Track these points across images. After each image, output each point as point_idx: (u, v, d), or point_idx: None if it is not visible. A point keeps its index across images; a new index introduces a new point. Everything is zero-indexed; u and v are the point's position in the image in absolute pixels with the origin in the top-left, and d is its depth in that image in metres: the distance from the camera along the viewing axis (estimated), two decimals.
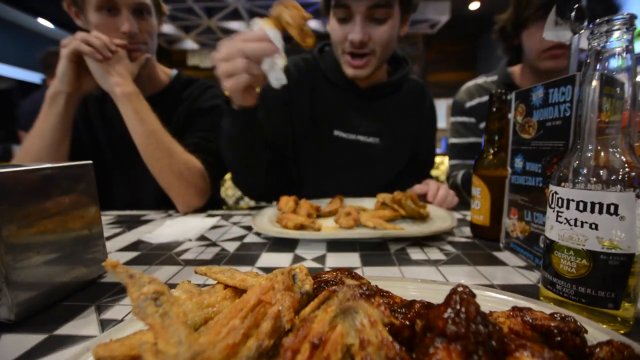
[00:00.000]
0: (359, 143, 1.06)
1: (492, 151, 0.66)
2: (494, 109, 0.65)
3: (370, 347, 0.20)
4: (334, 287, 0.25)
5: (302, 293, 0.26)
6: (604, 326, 0.34)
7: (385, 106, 1.09)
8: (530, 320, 0.27)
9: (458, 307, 0.22)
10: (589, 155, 0.35)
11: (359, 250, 0.61)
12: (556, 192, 0.37)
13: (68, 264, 0.46)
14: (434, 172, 1.38)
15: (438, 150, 3.07)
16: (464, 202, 1.06)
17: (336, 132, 1.06)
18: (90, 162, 0.50)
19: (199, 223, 0.81)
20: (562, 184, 0.36)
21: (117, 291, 0.47)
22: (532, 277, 0.49)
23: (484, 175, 0.65)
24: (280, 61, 0.68)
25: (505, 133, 0.64)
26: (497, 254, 0.59)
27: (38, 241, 0.42)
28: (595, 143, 0.35)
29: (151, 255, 0.62)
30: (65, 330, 0.38)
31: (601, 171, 0.34)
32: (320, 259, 0.58)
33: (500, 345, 0.22)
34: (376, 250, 0.61)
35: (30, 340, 0.36)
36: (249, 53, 0.66)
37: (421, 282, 0.39)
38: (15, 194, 0.40)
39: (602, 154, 0.35)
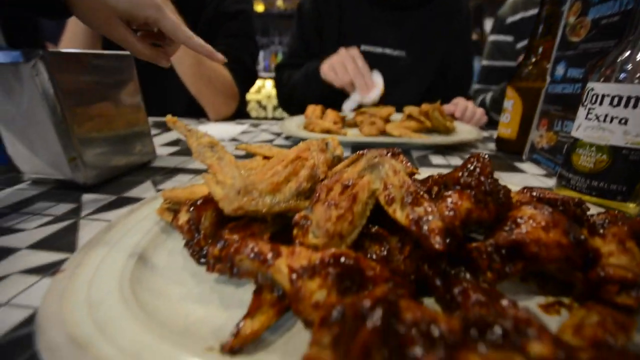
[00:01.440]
0: (385, 56, 1.03)
1: (533, 60, 0.62)
2: (545, 12, 0.59)
3: (392, 187, 0.24)
4: (363, 151, 0.29)
5: (334, 156, 0.30)
6: None
7: (415, 18, 1.02)
8: (537, 195, 0.30)
9: (474, 164, 0.25)
10: (637, 48, 0.34)
11: None
12: (592, 89, 0.36)
13: (124, 153, 0.52)
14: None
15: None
16: (492, 123, 1.04)
17: (363, 47, 1.04)
18: (129, 53, 0.53)
19: (230, 128, 0.86)
20: (602, 79, 0.36)
21: (166, 172, 0.54)
22: (549, 183, 0.51)
23: (519, 87, 0.63)
24: (360, 99, 0.91)
25: (552, 38, 0.59)
26: (518, 164, 0.61)
27: (99, 136, 0.47)
28: None
29: (188, 152, 0.68)
30: (129, 194, 0.45)
31: None
32: None
33: (507, 199, 0.26)
34: None
35: (104, 198, 0.43)
36: (358, 70, 0.89)
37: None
38: (76, 92, 0.44)
39: None
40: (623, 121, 0.34)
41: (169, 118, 0.30)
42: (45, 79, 0.40)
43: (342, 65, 0.90)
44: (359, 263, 0.18)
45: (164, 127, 0.89)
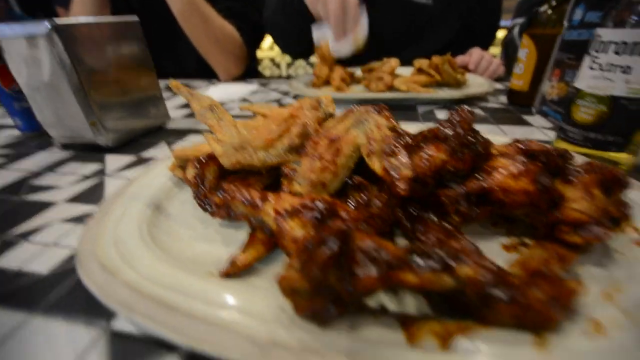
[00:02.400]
0: (410, 3, 0.95)
1: (554, 3, 0.58)
2: None
3: (374, 142, 0.26)
4: (353, 107, 0.30)
5: (326, 114, 0.32)
6: None
7: None
8: (523, 147, 0.31)
9: (455, 119, 0.27)
10: None
11: None
12: (599, 35, 0.35)
13: (139, 116, 0.55)
14: (493, 50, 1.23)
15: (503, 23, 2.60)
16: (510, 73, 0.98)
17: None
18: (136, 18, 0.54)
19: (240, 88, 0.87)
20: (610, 24, 0.34)
21: (179, 133, 0.58)
22: (553, 136, 0.50)
23: (535, 34, 0.60)
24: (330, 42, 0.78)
25: None
26: (526, 117, 0.59)
27: (115, 101, 0.51)
28: None
29: None
30: (147, 154, 0.49)
31: None
32: None
33: (485, 151, 0.27)
34: (405, 111, 0.64)
35: (125, 159, 0.48)
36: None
37: None
38: (91, 60, 0.46)
39: None
40: (626, 69, 0.33)
41: (173, 83, 0.32)
42: (61, 49, 0.42)
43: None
44: (333, 206, 0.21)
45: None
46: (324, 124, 0.30)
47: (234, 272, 0.22)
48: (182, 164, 0.34)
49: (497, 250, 0.25)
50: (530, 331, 0.17)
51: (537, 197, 0.24)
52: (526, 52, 0.61)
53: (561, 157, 0.30)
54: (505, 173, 0.25)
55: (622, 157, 0.37)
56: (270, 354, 0.16)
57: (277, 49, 3.34)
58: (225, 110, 0.31)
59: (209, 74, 1.04)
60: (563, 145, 0.41)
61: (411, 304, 0.20)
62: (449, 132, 0.26)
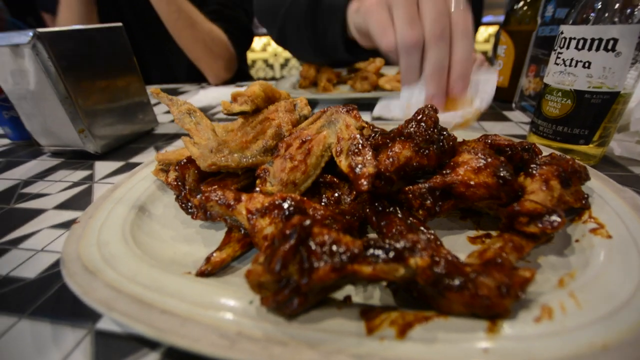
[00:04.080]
0: None
1: (528, 0, 0.60)
2: None
3: (343, 141, 0.27)
4: (326, 108, 0.32)
5: (301, 116, 0.33)
6: None
7: None
8: (490, 141, 0.32)
9: (419, 117, 0.28)
10: None
11: (370, 110, 0.66)
12: (562, 32, 0.36)
13: (128, 122, 0.56)
14: (482, 47, 1.25)
15: (488, 19, 2.64)
16: None
17: None
18: (120, 24, 0.55)
19: (229, 91, 0.88)
20: (570, 21, 0.35)
21: (167, 138, 0.59)
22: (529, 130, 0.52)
23: (511, 31, 0.61)
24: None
25: None
26: (506, 112, 0.61)
27: (103, 108, 0.52)
28: None
29: None
30: (135, 159, 0.50)
31: (614, 4, 0.32)
32: None
33: (450, 147, 0.28)
34: None
35: (114, 165, 0.49)
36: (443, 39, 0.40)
37: None
38: (76, 68, 0.47)
39: None
40: (587, 65, 0.34)
41: (152, 89, 0.33)
42: (45, 58, 0.43)
43: (411, 8, 0.38)
44: (301, 204, 0.23)
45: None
46: (298, 126, 0.32)
47: (210, 270, 0.23)
48: (165, 167, 0.35)
49: (463, 243, 0.26)
50: (484, 318, 0.18)
51: (496, 189, 0.25)
52: (504, 48, 0.63)
53: (526, 151, 0.31)
54: (467, 168, 0.26)
55: (591, 149, 0.38)
56: (237, 345, 0.17)
57: (270, 50, 3.35)
58: (204, 115, 0.32)
59: (199, 78, 1.05)
60: (535, 139, 0.42)
61: (377, 296, 0.21)
62: (414, 130, 0.27)
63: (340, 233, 0.18)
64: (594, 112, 0.36)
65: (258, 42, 3.27)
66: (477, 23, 1.12)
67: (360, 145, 0.26)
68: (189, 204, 0.31)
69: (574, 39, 0.35)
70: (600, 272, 0.21)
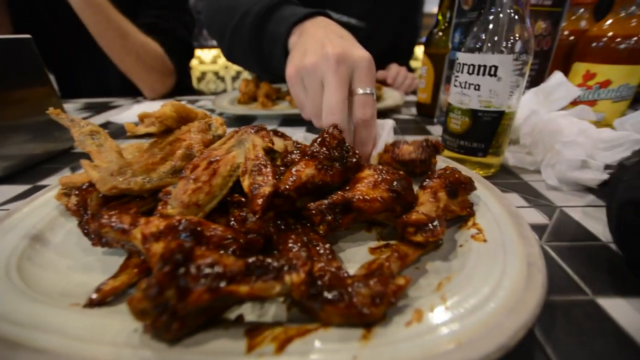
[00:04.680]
0: (349, 26, 1.02)
1: (443, 27, 0.66)
2: None
3: (249, 161, 0.28)
4: (239, 129, 0.32)
5: (215, 136, 0.33)
6: (475, 171, 0.44)
7: None
8: (394, 155, 0.35)
9: (323, 136, 0.29)
10: (490, 20, 0.38)
11: (307, 126, 0.68)
12: (457, 58, 0.41)
13: (40, 140, 0.52)
14: (415, 64, 1.35)
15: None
16: None
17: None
18: (29, 36, 0.51)
19: None
20: (462, 49, 0.40)
21: (87, 157, 0.55)
22: None
23: (431, 53, 0.67)
24: None
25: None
26: (429, 127, 0.66)
27: (9, 125, 0.47)
28: (495, 11, 0.37)
29: (118, 132, 0.68)
30: (46, 181, 0.46)
31: (493, 37, 0.37)
32: None
33: (354, 164, 0.30)
34: None
35: (17, 189, 0.44)
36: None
37: None
38: None
39: (498, 21, 0.37)
40: (477, 87, 0.39)
41: (51, 110, 0.31)
42: None
43: (317, 76, 0.39)
44: (197, 226, 0.23)
45: (95, 109, 0.87)
46: (211, 146, 0.32)
47: (100, 299, 0.22)
48: (68, 191, 0.33)
49: (363, 254, 0.28)
50: (360, 326, 0.19)
51: (391, 203, 0.27)
52: (426, 68, 0.69)
53: (423, 163, 0.34)
54: (365, 183, 0.28)
55: (489, 159, 0.43)
56: None
57: (220, 62, 3.30)
58: (108, 136, 0.31)
59: (135, 92, 1.00)
60: (446, 152, 0.46)
61: (271, 313, 0.22)
62: (317, 149, 0.28)
63: (225, 254, 0.19)
64: (487, 128, 0.40)
65: (208, 54, 3.21)
66: (413, 45, 1.22)
67: (261, 165, 0.26)
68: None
69: (466, 64, 0.39)
70: (470, 274, 0.23)
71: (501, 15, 0.37)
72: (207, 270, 0.17)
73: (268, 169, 0.26)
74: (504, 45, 0.37)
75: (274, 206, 0.25)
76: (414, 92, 0.98)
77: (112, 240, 0.24)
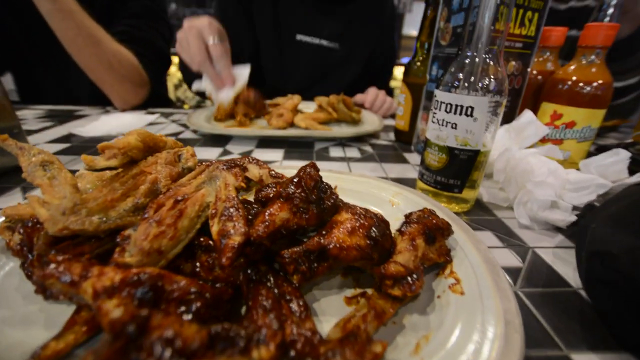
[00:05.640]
0: (321, 48, 1.06)
1: (421, 58, 0.68)
2: (428, 14, 0.64)
3: (219, 202, 0.26)
4: (209, 162, 0.30)
5: (184, 168, 0.31)
6: (451, 206, 0.44)
7: (349, 10, 1.06)
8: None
9: (300, 176, 0.28)
10: (466, 62, 0.39)
11: (285, 147, 0.67)
12: (435, 95, 0.41)
13: None
14: (395, 84, 1.39)
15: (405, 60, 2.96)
16: None
17: (299, 37, 1.04)
18: None
19: (136, 120, 0.81)
20: (440, 87, 0.41)
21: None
22: None
23: (409, 82, 0.69)
24: (209, 91, 0.78)
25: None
26: (406, 154, 0.67)
27: None
28: (471, 51, 0.38)
29: (82, 147, 0.64)
30: None
31: (469, 78, 0.38)
32: (247, 154, 0.63)
33: (332, 205, 0.29)
34: (302, 148, 0.67)
35: None
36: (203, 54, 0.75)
37: None
38: None
39: (474, 64, 0.38)
40: (454, 126, 0.39)
41: None
42: None
43: (188, 42, 0.74)
44: (158, 280, 0.20)
45: (59, 119, 0.81)
46: (178, 182, 0.29)
47: None
48: (12, 225, 0.30)
49: (339, 304, 0.26)
50: None
51: (368, 251, 0.26)
52: (404, 96, 0.70)
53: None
54: (342, 229, 0.27)
55: (465, 195, 0.43)
56: None
57: None
58: (63, 167, 0.28)
59: (105, 102, 0.95)
60: (421, 186, 0.46)
61: None
62: (292, 190, 0.27)
63: (186, 323, 0.17)
64: (463, 165, 0.41)
65: None
66: (392, 66, 1.25)
67: (233, 209, 0.25)
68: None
69: (444, 103, 0.40)
70: (447, 333, 0.22)
71: (477, 59, 0.38)
72: (164, 349, 0.15)
73: (240, 213, 0.24)
74: (479, 86, 0.38)
75: (245, 255, 0.23)
76: (393, 116, 0.99)
77: (58, 292, 0.22)
